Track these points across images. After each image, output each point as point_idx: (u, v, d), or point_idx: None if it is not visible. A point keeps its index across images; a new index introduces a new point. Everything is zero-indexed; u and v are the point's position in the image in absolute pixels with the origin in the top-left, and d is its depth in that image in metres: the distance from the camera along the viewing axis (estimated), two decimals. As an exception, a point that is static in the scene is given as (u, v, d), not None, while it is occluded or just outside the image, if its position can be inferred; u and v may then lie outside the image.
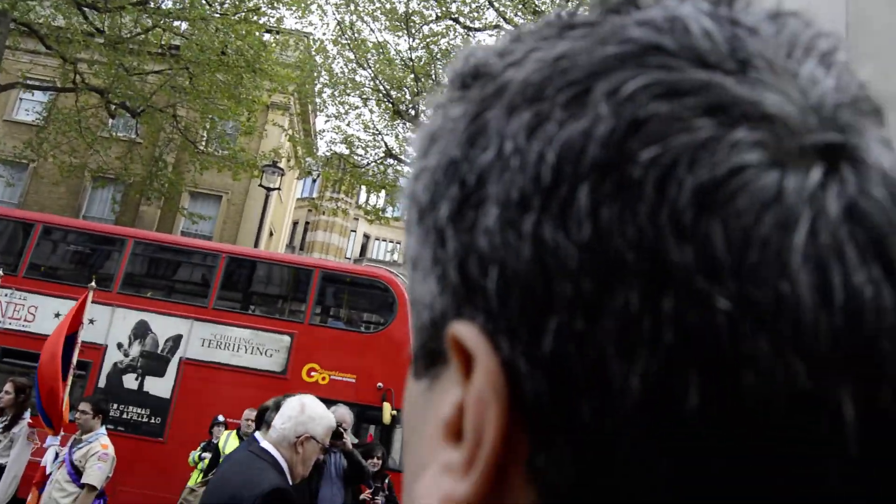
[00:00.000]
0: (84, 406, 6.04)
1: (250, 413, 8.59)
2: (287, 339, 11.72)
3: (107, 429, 11.08)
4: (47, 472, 5.94)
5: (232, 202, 23.88)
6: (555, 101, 0.33)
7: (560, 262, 0.32)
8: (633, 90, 0.32)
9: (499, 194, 0.34)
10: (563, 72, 0.34)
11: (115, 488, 10.73)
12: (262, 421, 3.61)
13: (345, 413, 6.30)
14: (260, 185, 18.26)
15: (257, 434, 3.56)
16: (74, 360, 6.11)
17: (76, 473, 5.76)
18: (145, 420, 11.43)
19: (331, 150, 21.45)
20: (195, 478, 9.28)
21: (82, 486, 5.72)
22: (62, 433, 6.10)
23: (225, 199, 23.78)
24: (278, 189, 18.46)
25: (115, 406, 11.23)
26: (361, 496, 6.88)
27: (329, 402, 10.56)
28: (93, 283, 6.81)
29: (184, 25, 17.89)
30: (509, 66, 0.37)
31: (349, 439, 6.16)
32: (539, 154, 0.33)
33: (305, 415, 2.88)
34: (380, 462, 7.24)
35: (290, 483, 2.82)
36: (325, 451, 5.88)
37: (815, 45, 0.35)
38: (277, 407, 3.58)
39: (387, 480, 7.35)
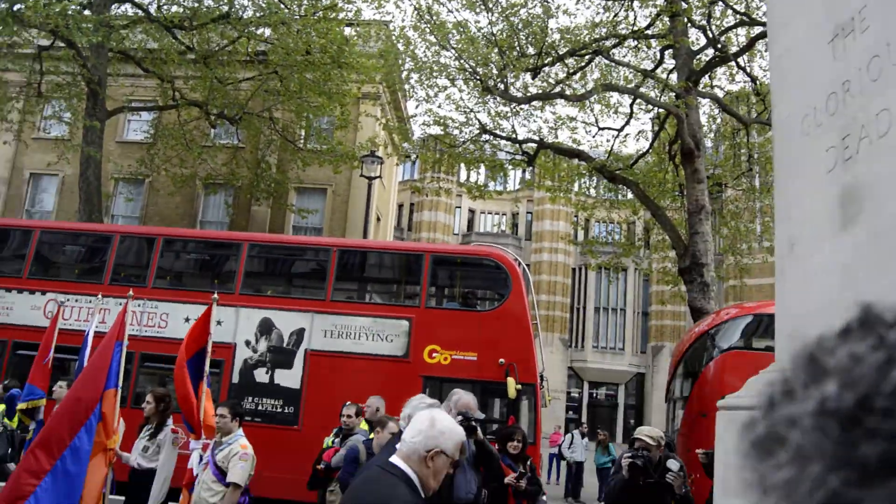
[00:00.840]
0: (222, 410, 6.30)
1: (375, 401, 8.78)
2: (405, 323, 11.91)
3: (245, 420, 11.66)
4: (194, 474, 6.25)
5: (336, 193, 24.41)
6: None
7: None
8: None
9: None
10: None
11: (259, 474, 11.24)
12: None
13: (469, 401, 6.28)
14: (361, 176, 18.57)
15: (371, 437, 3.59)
16: (207, 372, 6.38)
17: (220, 473, 6.03)
18: (279, 410, 11.88)
19: (425, 132, 21.54)
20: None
21: (227, 484, 5.98)
22: (203, 437, 6.38)
23: (329, 191, 24.33)
24: (379, 177, 18.72)
25: (250, 399, 11.80)
26: (507, 479, 6.87)
27: (453, 382, 10.72)
28: (215, 296, 7.06)
29: (267, 31, 18.37)
30: None
31: (478, 422, 6.14)
32: None
33: (436, 429, 2.83)
34: (520, 445, 7.16)
35: (424, 497, 2.80)
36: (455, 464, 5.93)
37: None
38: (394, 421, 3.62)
39: (528, 462, 7.25)
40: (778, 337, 4.98)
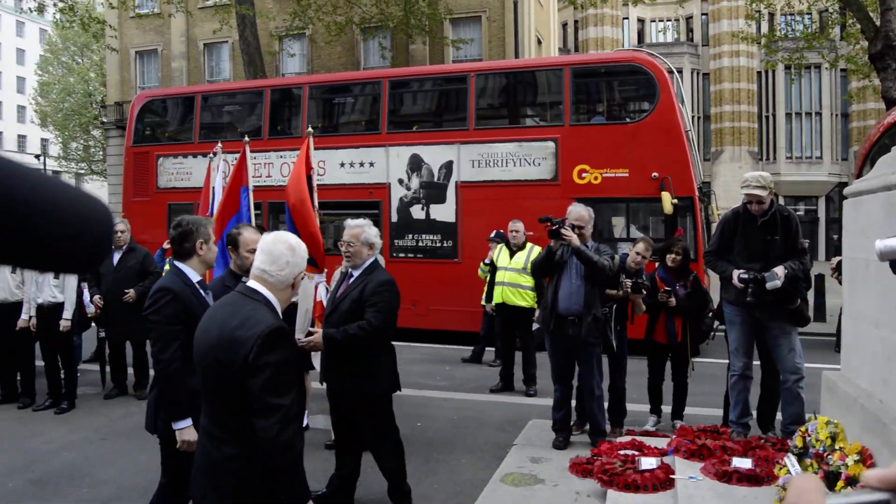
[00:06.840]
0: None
1: (513, 224, 8.68)
2: (551, 144, 11.48)
3: (408, 257, 12.08)
4: (325, 304, 6.46)
5: (491, 19, 23.56)
6: None
7: None
8: None
9: None
10: None
11: (427, 308, 11.69)
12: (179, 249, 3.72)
13: (582, 211, 5.93)
14: (508, -7, 17.70)
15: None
16: (315, 203, 6.42)
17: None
18: (439, 245, 12.09)
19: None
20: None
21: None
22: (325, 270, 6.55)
23: (484, 18, 23.52)
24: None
25: (410, 236, 12.12)
26: (660, 295, 6.60)
27: (605, 202, 10.36)
28: (310, 129, 6.99)
29: None
30: None
31: (575, 237, 5.73)
32: None
33: (298, 256, 2.93)
34: (679, 258, 6.76)
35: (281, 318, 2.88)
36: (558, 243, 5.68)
37: None
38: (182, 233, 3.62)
39: (691, 277, 6.80)
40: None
